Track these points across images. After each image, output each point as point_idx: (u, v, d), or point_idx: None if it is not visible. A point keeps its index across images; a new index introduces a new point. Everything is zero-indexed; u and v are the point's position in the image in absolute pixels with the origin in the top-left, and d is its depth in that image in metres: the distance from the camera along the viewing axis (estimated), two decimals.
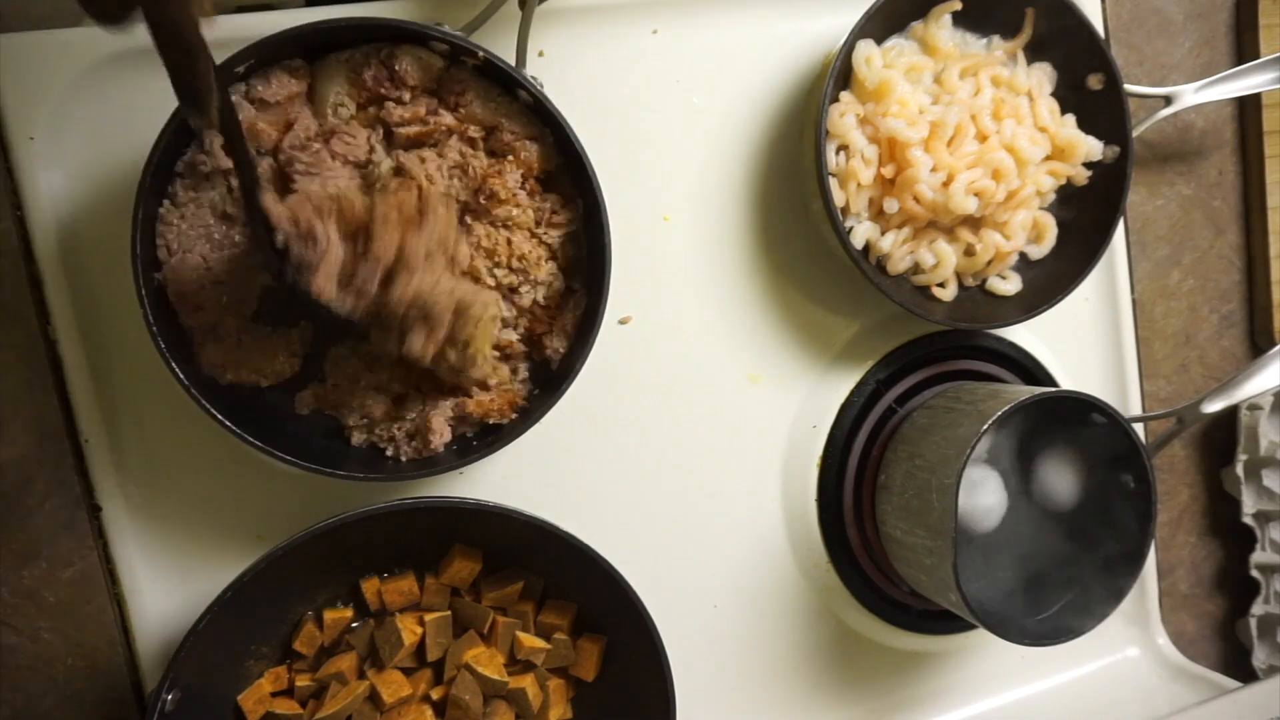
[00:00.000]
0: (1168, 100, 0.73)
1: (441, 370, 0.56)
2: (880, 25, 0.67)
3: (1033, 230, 0.72)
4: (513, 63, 0.58)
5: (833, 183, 0.67)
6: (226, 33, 0.55)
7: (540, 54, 0.60)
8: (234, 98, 0.55)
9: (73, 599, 0.60)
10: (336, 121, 0.57)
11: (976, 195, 0.66)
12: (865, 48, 0.66)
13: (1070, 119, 0.70)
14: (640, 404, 0.69)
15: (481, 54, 0.56)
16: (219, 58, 0.53)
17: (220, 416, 0.54)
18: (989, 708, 0.80)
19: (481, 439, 0.61)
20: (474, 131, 0.59)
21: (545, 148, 0.60)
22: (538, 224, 0.60)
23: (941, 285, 0.71)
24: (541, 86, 0.58)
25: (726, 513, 0.72)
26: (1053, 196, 0.72)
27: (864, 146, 0.66)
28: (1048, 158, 0.70)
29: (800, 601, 0.74)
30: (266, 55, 0.55)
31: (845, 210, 0.68)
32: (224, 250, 0.56)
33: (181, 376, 0.53)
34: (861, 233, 0.68)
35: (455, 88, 0.59)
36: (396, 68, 0.58)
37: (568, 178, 0.62)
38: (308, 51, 0.57)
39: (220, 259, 0.56)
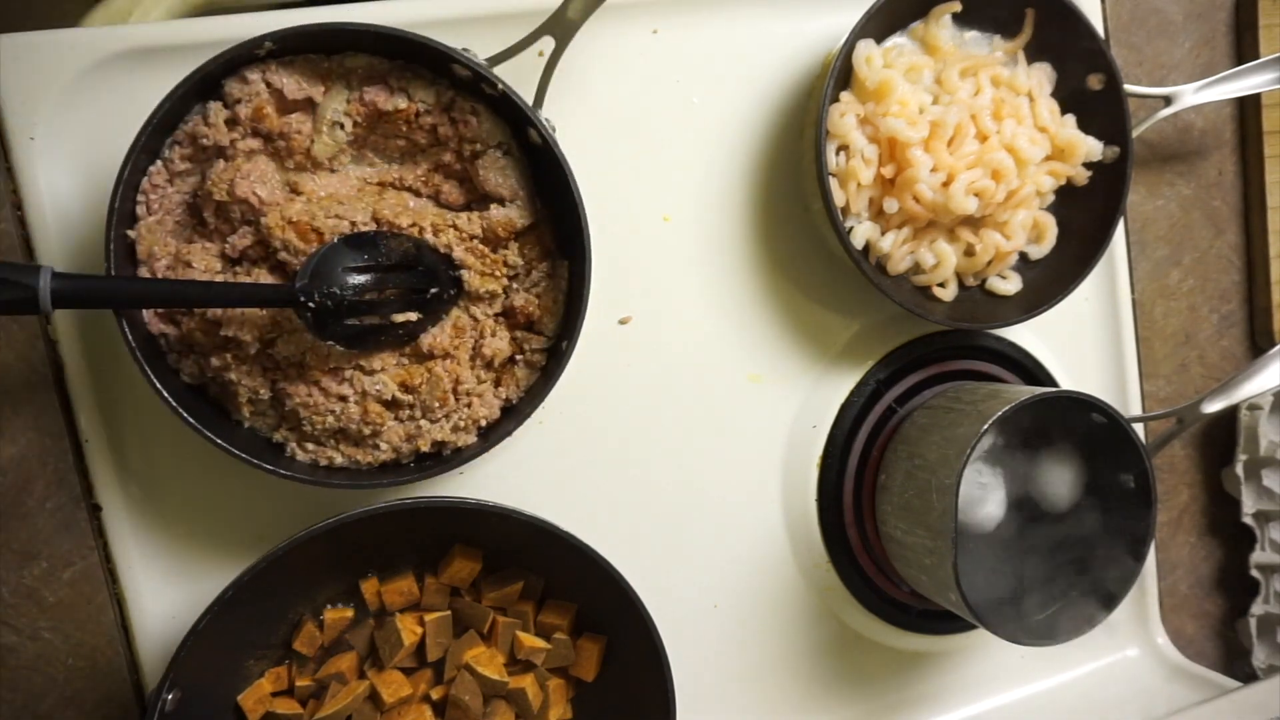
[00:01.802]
0: (1167, 100, 0.73)
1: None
2: (880, 25, 0.67)
3: (1033, 230, 0.72)
4: (530, 101, 0.58)
5: (833, 183, 0.67)
6: (239, 30, 0.55)
7: (540, 54, 0.60)
8: (252, 76, 0.55)
9: (73, 599, 0.60)
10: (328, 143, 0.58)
11: (977, 195, 0.66)
12: (865, 47, 0.66)
13: (1070, 119, 0.70)
14: (640, 404, 0.69)
15: (500, 86, 0.57)
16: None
17: (171, 397, 0.54)
18: (989, 708, 0.80)
19: (480, 436, 0.61)
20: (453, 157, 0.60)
21: (518, 209, 0.60)
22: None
23: (942, 285, 0.71)
24: (554, 131, 0.58)
25: (726, 513, 0.72)
26: (1052, 197, 0.72)
27: (864, 146, 0.66)
28: (1048, 158, 0.69)
29: (800, 601, 0.74)
30: (288, 45, 0.55)
31: (845, 210, 0.68)
32: (190, 237, 0.57)
33: (127, 334, 0.53)
34: (861, 233, 0.68)
35: (463, 109, 0.59)
36: (409, 93, 0.58)
37: (550, 227, 0.62)
38: (329, 50, 0.58)
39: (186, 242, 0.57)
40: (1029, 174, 0.68)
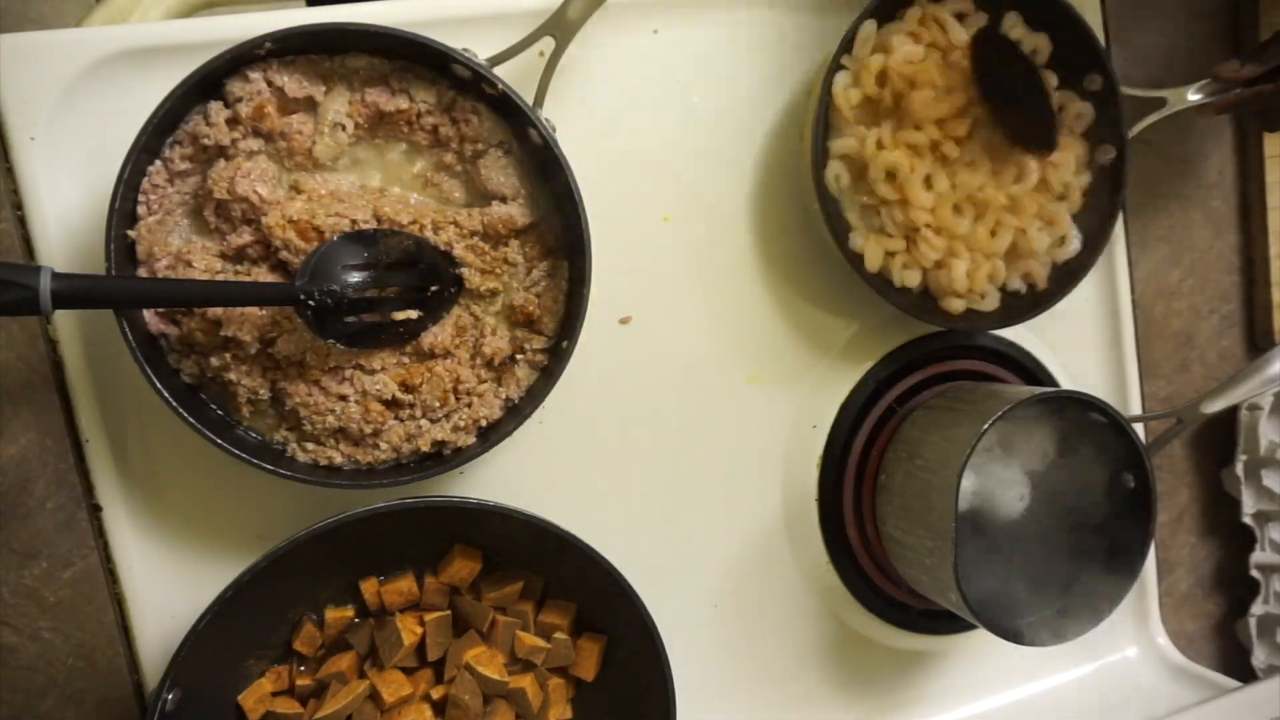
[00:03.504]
0: (1163, 102, 0.73)
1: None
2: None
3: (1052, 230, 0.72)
4: (531, 101, 0.58)
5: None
6: (239, 30, 0.55)
7: (540, 54, 0.60)
8: (253, 75, 0.55)
9: (73, 599, 0.60)
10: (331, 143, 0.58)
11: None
12: (843, 80, 0.66)
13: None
14: (640, 404, 0.69)
15: (500, 86, 0.57)
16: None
17: (173, 401, 0.54)
18: (989, 708, 0.80)
19: (481, 435, 0.61)
20: (454, 152, 0.60)
21: (519, 207, 0.60)
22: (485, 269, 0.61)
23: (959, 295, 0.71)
24: (554, 131, 0.58)
25: (726, 513, 0.72)
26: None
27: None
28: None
29: (800, 601, 0.74)
30: (289, 45, 0.55)
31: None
32: (191, 236, 0.57)
33: (127, 334, 0.53)
34: (860, 237, 0.68)
35: (464, 109, 0.59)
36: (410, 93, 0.58)
37: (551, 226, 0.62)
38: (330, 50, 0.58)
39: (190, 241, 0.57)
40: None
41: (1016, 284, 0.72)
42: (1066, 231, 0.71)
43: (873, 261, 0.68)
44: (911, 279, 0.69)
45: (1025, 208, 0.69)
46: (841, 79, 0.66)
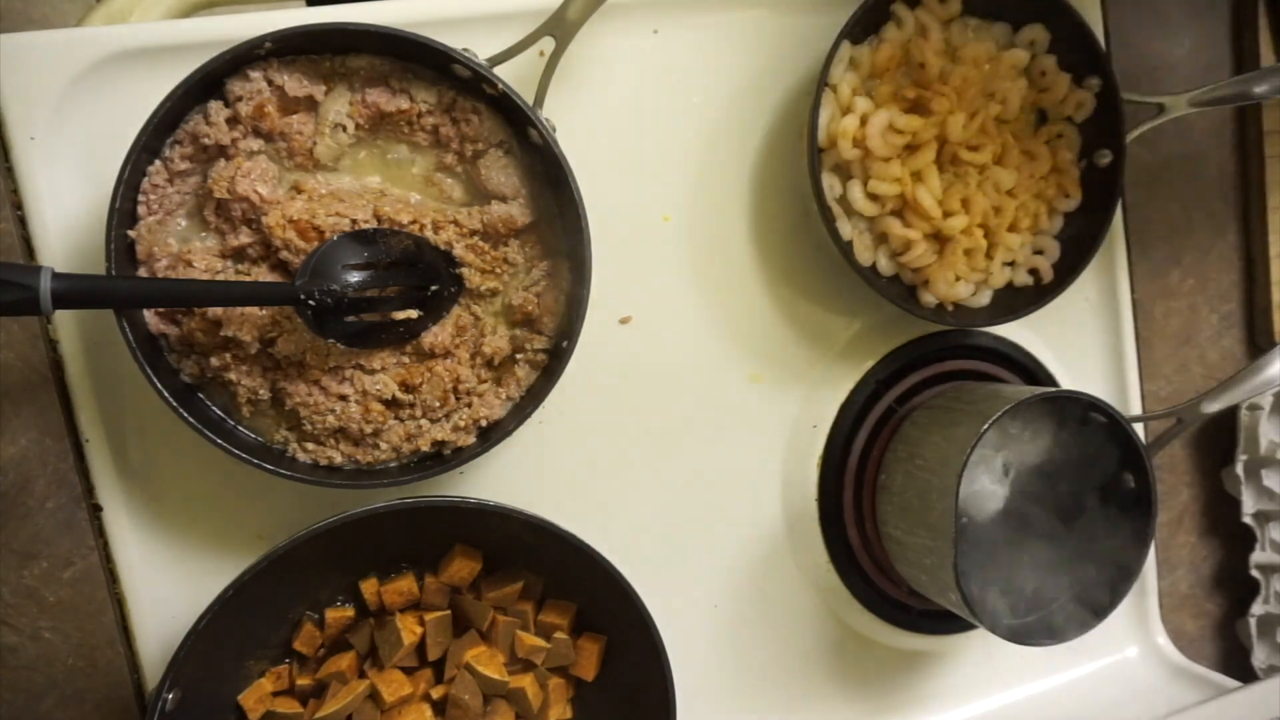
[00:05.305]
0: (1161, 109, 0.73)
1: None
2: (863, 30, 0.67)
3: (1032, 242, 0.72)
4: (530, 101, 0.58)
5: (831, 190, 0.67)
6: (239, 30, 0.55)
7: (541, 54, 0.60)
8: (254, 74, 0.56)
9: (73, 599, 0.60)
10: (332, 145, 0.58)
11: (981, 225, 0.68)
12: (827, 109, 0.65)
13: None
14: (641, 404, 0.69)
15: (500, 86, 0.57)
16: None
17: (175, 402, 0.54)
18: (989, 708, 0.80)
19: (481, 435, 0.62)
20: (456, 150, 0.60)
21: (519, 207, 0.60)
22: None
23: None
24: (554, 130, 0.58)
25: (726, 513, 0.72)
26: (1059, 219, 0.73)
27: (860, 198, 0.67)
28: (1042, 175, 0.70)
29: (800, 601, 0.74)
30: (289, 45, 0.55)
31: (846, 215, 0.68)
32: (191, 236, 0.58)
33: (127, 334, 0.53)
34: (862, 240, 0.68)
35: (464, 109, 0.59)
36: (411, 94, 0.58)
37: (552, 226, 0.62)
38: (330, 50, 0.58)
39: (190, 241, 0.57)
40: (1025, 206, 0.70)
41: (1023, 278, 0.72)
42: (1055, 229, 0.72)
43: (863, 253, 0.68)
44: (898, 269, 0.69)
45: (1021, 203, 0.69)
46: (824, 115, 0.66)
